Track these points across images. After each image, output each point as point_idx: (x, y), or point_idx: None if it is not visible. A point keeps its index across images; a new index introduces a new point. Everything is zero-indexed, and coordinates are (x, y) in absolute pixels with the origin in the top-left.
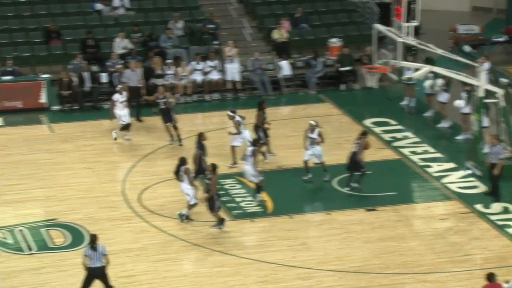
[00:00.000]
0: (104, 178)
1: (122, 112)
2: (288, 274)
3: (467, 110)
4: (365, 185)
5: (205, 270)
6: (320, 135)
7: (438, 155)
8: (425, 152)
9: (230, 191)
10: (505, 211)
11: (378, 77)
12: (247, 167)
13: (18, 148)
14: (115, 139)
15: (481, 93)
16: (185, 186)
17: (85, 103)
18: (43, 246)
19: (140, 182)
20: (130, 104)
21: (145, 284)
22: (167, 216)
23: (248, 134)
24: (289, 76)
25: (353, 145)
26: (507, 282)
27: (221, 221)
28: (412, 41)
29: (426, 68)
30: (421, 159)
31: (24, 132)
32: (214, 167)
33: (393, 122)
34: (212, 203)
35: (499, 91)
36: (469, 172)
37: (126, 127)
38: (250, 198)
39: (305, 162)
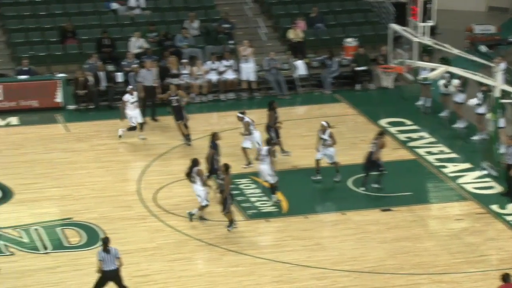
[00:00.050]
0: (119, 177)
1: (133, 113)
2: (303, 274)
3: (482, 110)
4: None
5: (220, 270)
6: (331, 136)
7: (453, 155)
8: (441, 152)
9: (245, 191)
10: None
11: (394, 77)
12: (264, 167)
13: (34, 147)
14: (120, 136)
15: (497, 94)
16: (197, 188)
17: (101, 102)
18: (59, 245)
19: (155, 181)
20: (145, 103)
21: (160, 284)
22: (182, 216)
23: (257, 135)
24: (304, 76)
25: (370, 145)
26: None
27: (230, 223)
28: (428, 41)
29: (442, 68)
30: (436, 159)
31: (39, 131)
32: (226, 167)
33: (408, 122)
34: (225, 204)
35: None
36: (485, 172)
37: (134, 129)
38: (265, 198)
39: (317, 161)
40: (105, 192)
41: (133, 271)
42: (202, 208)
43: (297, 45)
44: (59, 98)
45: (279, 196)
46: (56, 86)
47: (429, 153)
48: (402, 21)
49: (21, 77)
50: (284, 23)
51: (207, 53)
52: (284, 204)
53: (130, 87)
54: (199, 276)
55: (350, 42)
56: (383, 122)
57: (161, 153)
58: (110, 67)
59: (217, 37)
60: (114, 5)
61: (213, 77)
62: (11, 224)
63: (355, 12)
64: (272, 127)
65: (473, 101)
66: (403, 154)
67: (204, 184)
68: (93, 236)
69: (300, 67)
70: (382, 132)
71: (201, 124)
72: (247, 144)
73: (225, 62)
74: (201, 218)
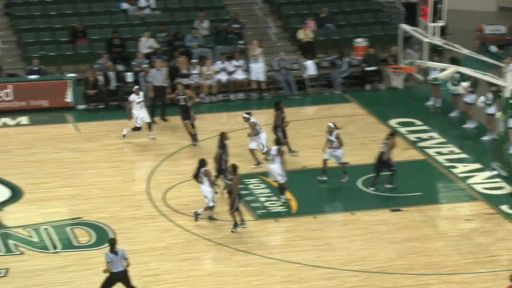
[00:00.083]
0: (128, 177)
1: (139, 113)
2: (312, 274)
3: (491, 110)
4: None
5: (229, 270)
6: (337, 137)
7: (463, 155)
8: (451, 152)
9: (254, 190)
10: None
11: (404, 77)
12: (275, 166)
13: (44, 147)
14: (124, 136)
15: (507, 94)
16: (205, 188)
17: (111, 102)
18: (68, 245)
19: (165, 181)
20: (155, 103)
21: (169, 283)
22: (191, 216)
23: (264, 136)
24: (314, 76)
25: (381, 145)
26: None
27: (235, 224)
28: (438, 41)
29: (452, 69)
30: (446, 159)
31: (49, 131)
32: (234, 168)
33: (418, 122)
34: (233, 204)
35: None
36: (495, 173)
37: (138, 129)
38: (274, 198)
39: (324, 161)
40: (115, 191)
41: (142, 270)
42: (208, 208)
43: (307, 45)
44: (69, 98)
45: (288, 196)
46: (66, 86)
47: (439, 153)
48: (412, 21)
49: (32, 77)
50: (294, 23)
51: (217, 53)
52: (294, 204)
53: (136, 87)
54: (208, 276)
55: (360, 42)
56: (393, 122)
57: (170, 153)
58: (120, 67)
59: (227, 37)
60: (124, 5)
61: (223, 77)
62: (21, 224)
63: (365, 12)
64: (279, 127)
65: (481, 99)
66: (413, 155)
67: (212, 184)
68: (102, 235)
69: (310, 67)
70: (394, 133)
71: (211, 124)
72: (253, 145)
73: (235, 62)
74: (210, 218)
